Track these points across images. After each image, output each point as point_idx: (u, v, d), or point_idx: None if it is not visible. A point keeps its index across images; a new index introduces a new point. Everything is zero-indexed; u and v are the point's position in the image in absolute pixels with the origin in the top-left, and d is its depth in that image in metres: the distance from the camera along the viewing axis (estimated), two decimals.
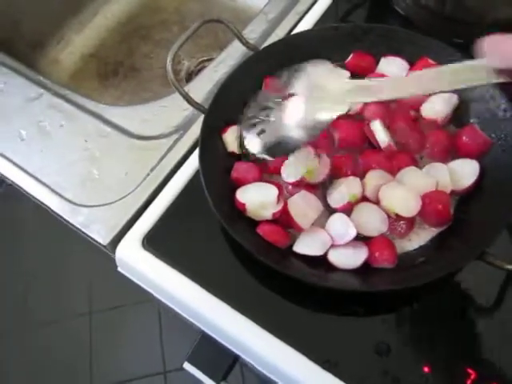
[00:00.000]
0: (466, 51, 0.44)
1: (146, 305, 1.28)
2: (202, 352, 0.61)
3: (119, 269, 0.48)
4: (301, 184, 0.43)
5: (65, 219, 0.49)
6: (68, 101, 0.59)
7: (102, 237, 0.47)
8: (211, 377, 0.58)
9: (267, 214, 0.42)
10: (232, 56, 0.60)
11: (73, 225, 0.48)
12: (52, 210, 0.50)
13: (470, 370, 0.37)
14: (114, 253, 0.47)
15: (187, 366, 0.60)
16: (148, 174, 0.51)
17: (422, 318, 0.40)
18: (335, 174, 0.44)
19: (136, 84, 0.88)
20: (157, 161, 0.52)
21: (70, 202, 0.50)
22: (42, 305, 1.29)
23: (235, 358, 0.61)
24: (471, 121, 0.45)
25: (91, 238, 0.48)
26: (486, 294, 0.41)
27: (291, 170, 0.43)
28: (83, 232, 0.48)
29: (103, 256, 0.52)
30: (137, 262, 0.45)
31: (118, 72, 0.88)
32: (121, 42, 0.92)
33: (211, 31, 0.90)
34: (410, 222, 0.42)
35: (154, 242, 0.46)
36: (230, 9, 0.92)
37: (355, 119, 0.47)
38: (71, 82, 0.86)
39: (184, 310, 0.46)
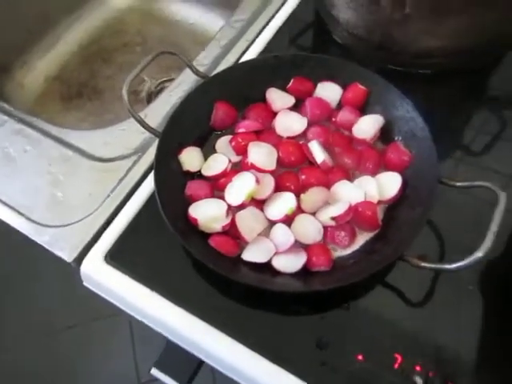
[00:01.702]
0: (392, 77, 0.51)
1: (117, 318, 1.30)
2: (169, 358, 0.65)
3: (85, 283, 0.51)
4: (244, 205, 0.47)
5: (30, 239, 0.52)
6: (32, 126, 0.62)
7: (66, 255, 0.51)
8: (177, 380, 0.62)
9: (217, 226, 0.47)
10: (186, 81, 0.65)
11: (38, 244, 0.51)
12: (17, 231, 0.53)
13: (397, 355, 0.42)
14: (79, 269, 0.51)
15: (154, 371, 0.63)
16: (109, 195, 0.55)
17: (357, 313, 0.45)
18: (279, 189, 0.49)
19: (99, 105, 0.91)
20: (117, 182, 0.56)
21: (35, 222, 0.53)
22: (15, 320, 1.29)
23: (200, 362, 0.65)
24: (395, 138, 0.51)
25: (56, 256, 0.51)
26: (415, 290, 0.47)
27: (234, 194, 0.48)
28: (48, 250, 0.51)
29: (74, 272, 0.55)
30: (101, 276, 0.49)
31: (81, 94, 0.92)
32: (83, 65, 0.96)
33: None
34: (352, 235, 0.47)
35: (116, 257, 0.50)
36: (189, 31, 0.97)
37: (296, 139, 0.53)
38: (36, 104, 0.89)
39: (147, 319, 0.49)
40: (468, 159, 0.54)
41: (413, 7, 0.51)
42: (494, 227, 0.38)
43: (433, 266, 0.41)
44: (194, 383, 0.65)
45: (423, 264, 0.41)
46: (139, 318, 0.49)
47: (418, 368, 0.42)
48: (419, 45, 0.56)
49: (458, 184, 0.45)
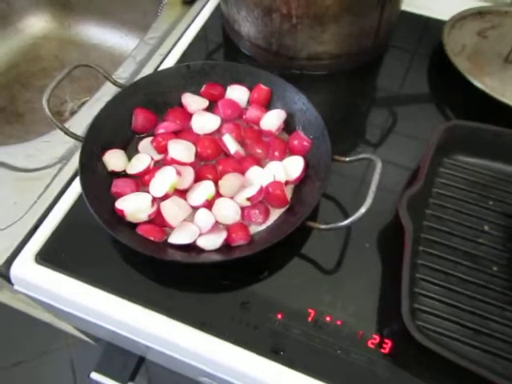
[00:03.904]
0: (294, 79, 0.60)
1: (55, 354, 1.27)
2: (109, 360, 0.66)
3: (15, 287, 0.52)
4: (168, 196, 0.52)
5: None
6: None
7: None
8: (118, 380, 0.64)
9: (143, 216, 0.51)
10: (107, 94, 0.69)
11: None
12: None
13: (310, 310, 0.49)
14: (9, 275, 0.52)
15: (94, 375, 0.64)
16: (36, 201, 0.57)
17: (276, 280, 0.51)
18: (200, 180, 0.55)
19: (20, 128, 0.92)
20: (43, 188, 0.58)
21: None
22: None
23: (140, 359, 0.67)
24: (296, 128, 0.59)
25: None
26: (325, 255, 0.53)
27: (157, 186, 0.52)
28: None
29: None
30: (31, 276, 0.51)
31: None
32: (1, 90, 0.96)
33: (92, 74, 0.98)
34: (265, 212, 0.53)
35: (47, 257, 0.52)
36: (107, 54, 1.01)
37: (213, 136, 0.59)
38: None
39: (85, 313, 0.51)
40: (358, 142, 0.63)
41: (298, 18, 0.60)
42: (373, 187, 0.46)
43: (329, 226, 0.48)
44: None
45: (322, 226, 0.48)
46: (75, 312, 0.51)
47: (328, 318, 0.48)
48: (308, 50, 0.65)
49: (347, 159, 0.53)
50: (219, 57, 0.75)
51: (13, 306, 1.07)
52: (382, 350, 0.46)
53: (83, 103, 0.94)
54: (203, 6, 0.80)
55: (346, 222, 0.46)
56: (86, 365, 1.29)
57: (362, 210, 0.45)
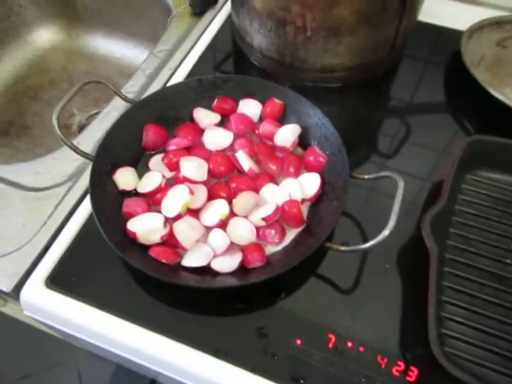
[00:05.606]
0: (307, 91, 0.59)
1: (63, 367, 1.25)
2: (119, 382, 0.65)
3: (25, 312, 0.51)
4: (180, 216, 0.50)
5: None
6: None
7: (5, 285, 0.50)
8: None
9: (156, 237, 0.49)
10: (117, 108, 0.67)
11: None
12: None
13: (330, 335, 0.47)
14: (18, 299, 0.50)
15: None
16: (45, 222, 0.55)
17: (293, 303, 0.49)
18: (213, 198, 0.53)
19: (28, 141, 0.91)
20: (53, 208, 0.56)
21: None
22: None
23: (152, 381, 0.65)
24: (312, 143, 0.57)
25: None
26: (344, 276, 0.52)
27: (169, 206, 0.51)
28: None
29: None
30: (41, 301, 0.49)
31: (8, 132, 0.91)
32: (10, 104, 0.95)
33: (100, 87, 0.97)
34: (282, 232, 0.51)
35: (57, 281, 0.50)
36: (115, 65, 1.00)
37: (225, 152, 0.57)
38: None
39: (95, 339, 0.50)
40: (374, 155, 0.61)
41: (313, 30, 0.58)
42: (395, 209, 0.44)
43: (350, 248, 0.46)
44: None
45: (342, 248, 0.46)
46: (88, 339, 0.50)
47: (349, 344, 0.46)
48: (322, 62, 0.63)
49: (366, 177, 0.51)
50: (229, 69, 0.73)
51: (20, 318, 1.05)
52: (408, 378, 0.44)
53: (91, 116, 0.93)
54: (213, 18, 0.78)
55: (367, 245, 0.44)
56: (95, 379, 1.27)
57: (386, 232, 0.43)
